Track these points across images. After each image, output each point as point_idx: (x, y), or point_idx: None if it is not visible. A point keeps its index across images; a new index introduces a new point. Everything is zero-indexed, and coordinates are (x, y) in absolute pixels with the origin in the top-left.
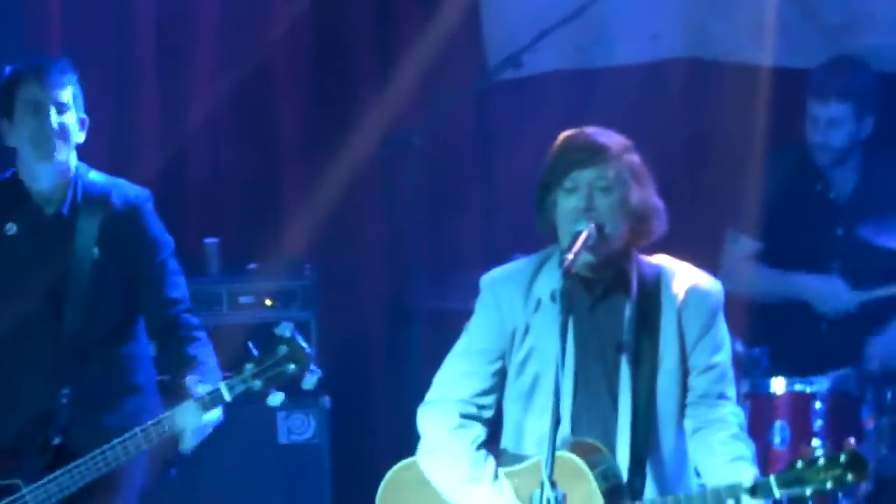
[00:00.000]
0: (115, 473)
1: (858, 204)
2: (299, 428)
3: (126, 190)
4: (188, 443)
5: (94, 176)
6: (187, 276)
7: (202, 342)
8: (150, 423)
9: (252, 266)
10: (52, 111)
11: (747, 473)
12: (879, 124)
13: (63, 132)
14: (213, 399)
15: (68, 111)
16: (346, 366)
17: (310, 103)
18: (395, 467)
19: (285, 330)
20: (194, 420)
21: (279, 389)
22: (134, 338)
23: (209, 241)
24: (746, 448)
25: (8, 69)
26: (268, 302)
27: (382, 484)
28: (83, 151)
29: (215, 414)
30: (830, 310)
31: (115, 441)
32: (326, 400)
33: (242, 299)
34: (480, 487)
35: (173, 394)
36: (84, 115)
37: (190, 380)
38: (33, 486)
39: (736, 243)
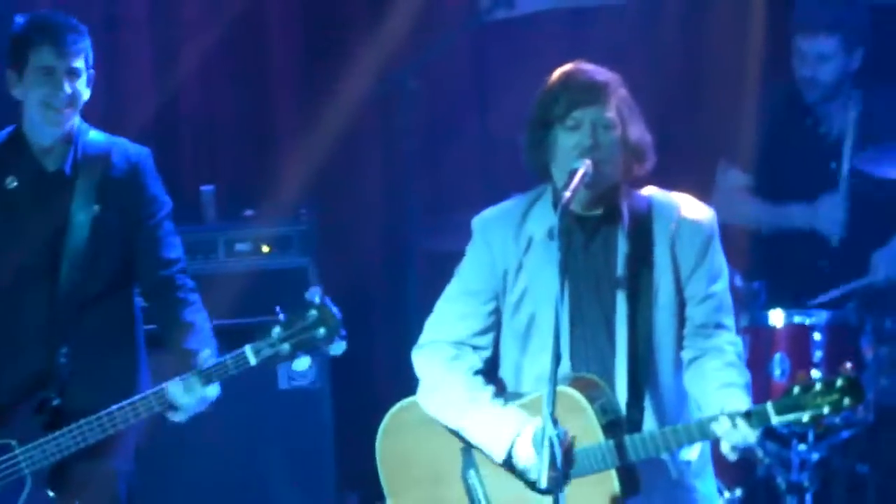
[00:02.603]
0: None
1: (850, 137)
2: (299, 373)
3: (126, 148)
4: (185, 413)
5: (94, 135)
6: (184, 224)
7: (197, 307)
8: (160, 387)
9: (248, 213)
10: (65, 80)
11: (735, 400)
12: (870, 56)
13: (73, 99)
14: (237, 363)
15: (80, 77)
16: (344, 310)
17: (303, 46)
18: (394, 408)
19: (314, 295)
20: (204, 391)
21: (306, 354)
22: (129, 296)
23: (205, 188)
24: (739, 375)
25: (20, 21)
26: (265, 248)
27: (382, 425)
28: None
29: (215, 390)
30: (831, 227)
31: (125, 402)
32: None
33: (239, 246)
34: (480, 408)
35: (170, 355)
36: (92, 71)
37: (201, 353)
38: (30, 445)
39: (727, 174)
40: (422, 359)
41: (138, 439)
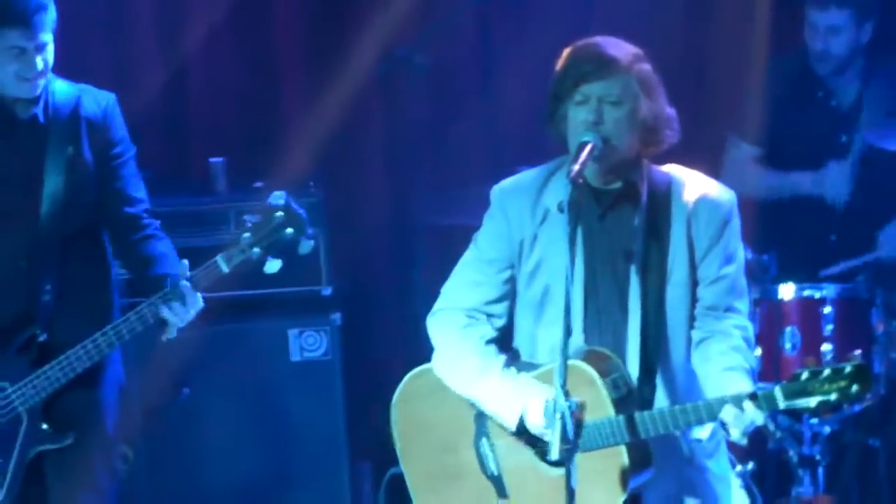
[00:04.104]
0: (95, 368)
1: (861, 110)
2: (311, 345)
3: (94, 94)
4: (177, 323)
5: (61, 83)
6: (194, 196)
7: (166, 242)
8: (143, 304)
9: (258, 185)
10: (36, 55)
11: (737, 385)
12: (879, 29)
13: (45, 68)
14: (208, 273)
15: (48, 45)
16: (354, 282)
17: (311, 20)
18: (409, 376)
19: (279, 199)
20: (190, 296)
21: (276, 256)
22: (102, 236)
23: (215, 160)
24: (745, 360)
25: None
26: None
27: (397, 393)
28: (84, 75)
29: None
30: (837, 193)
31: (107, 327)
32: (337, 317)
33: (249, 218)
34: (492, 376)
35: (143, 288)
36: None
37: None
38: (21, 383)
39: (737, 148)
40: (435, 325)
41: (122, 378)
